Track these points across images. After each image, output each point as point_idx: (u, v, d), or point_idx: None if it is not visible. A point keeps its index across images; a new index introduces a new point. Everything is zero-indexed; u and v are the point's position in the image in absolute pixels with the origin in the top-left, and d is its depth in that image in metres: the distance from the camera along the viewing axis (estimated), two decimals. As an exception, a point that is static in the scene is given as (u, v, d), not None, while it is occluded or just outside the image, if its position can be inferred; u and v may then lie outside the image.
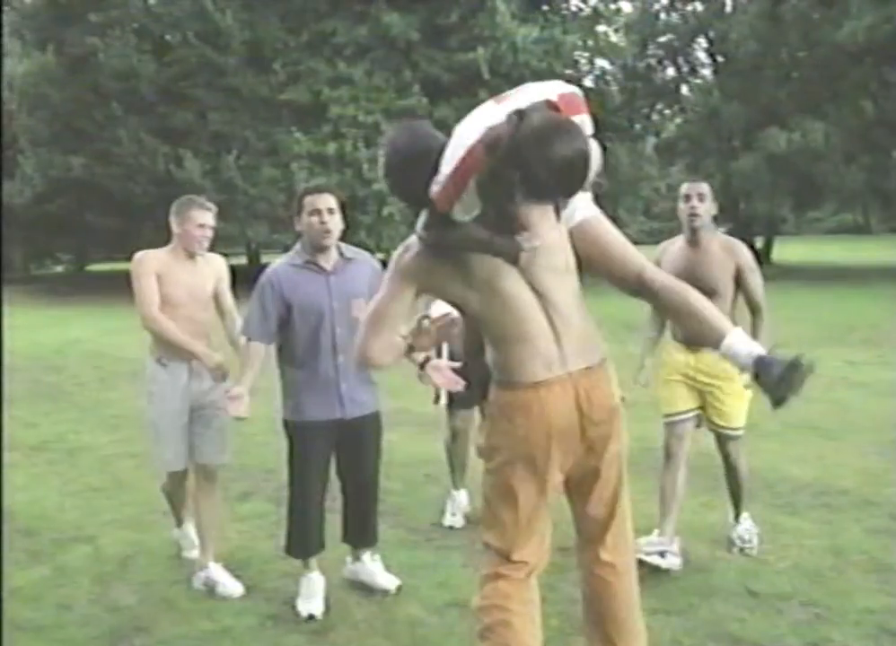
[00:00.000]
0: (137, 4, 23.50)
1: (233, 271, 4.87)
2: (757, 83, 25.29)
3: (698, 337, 2.82)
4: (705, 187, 4.36)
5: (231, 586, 4.24)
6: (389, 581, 4.19)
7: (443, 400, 5.10)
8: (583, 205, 2.79)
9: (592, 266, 2.78)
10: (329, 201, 3.88)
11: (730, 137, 27.29)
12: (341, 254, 4.01)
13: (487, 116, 2.57)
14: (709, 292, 3.77)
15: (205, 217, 4.36)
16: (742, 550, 4.44)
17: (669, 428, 4.43)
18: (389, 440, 6.88)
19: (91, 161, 23.01)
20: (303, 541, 4.09)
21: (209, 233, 4.39)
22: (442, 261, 2.69)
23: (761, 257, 28.78)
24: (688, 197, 4.33)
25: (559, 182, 2.56)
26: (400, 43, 22.34)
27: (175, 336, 4.25)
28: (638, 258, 2.78)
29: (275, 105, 22.72)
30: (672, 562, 4.16)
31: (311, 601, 4.00)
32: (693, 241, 4.36)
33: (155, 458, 4.47)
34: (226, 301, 4.62)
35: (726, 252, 4.31)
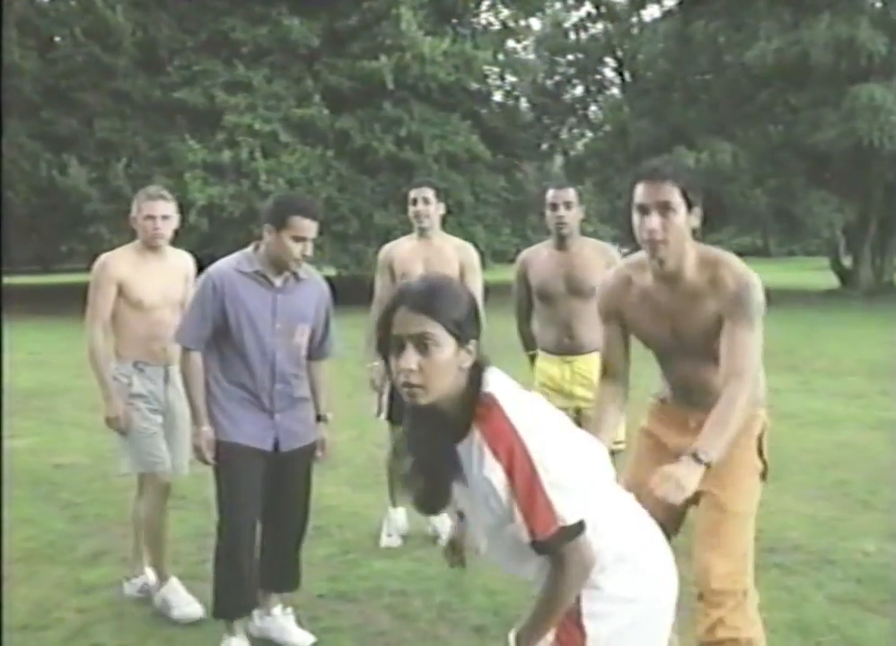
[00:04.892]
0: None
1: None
2: (666, 103, 25.15)
3: None
4: (571, 194, 4.28)
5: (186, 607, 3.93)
6: (303, 639, 3.61)
7: (384, 414, 4.88)
8: None
9: None
10: (314, 230, 3.41)
11: (638, 156, 27.07)
12: (294, 272, 3.50)
13: None
14: (587, 294, 4.07)
15: (153, 207, 3.94)
16: None
17: None
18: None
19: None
20: (236, 595, 3.48)
21: (161, 225, 3.96)
22: None
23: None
24: (554, 206, 4.26)
25: None
26: (301, 49, 21.41)
27: (100, 375, 3.93)
28: None
29: (168, 111, 21.50)
30: None
31: None
32: (563, 247, 4.33)
33: (143, 460, 3.99)
34: None
35: (599, 254, 4.29)
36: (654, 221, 2.57)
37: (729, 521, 2.73)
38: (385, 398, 4.81)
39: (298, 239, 3.34)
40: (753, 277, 2.65)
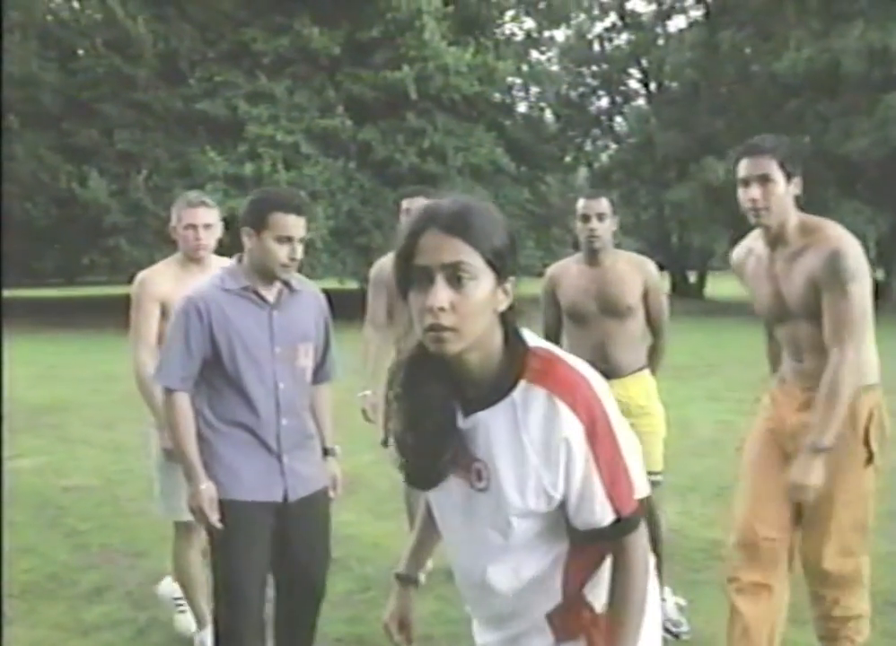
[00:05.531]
0: (41, 7, 21.98)
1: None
2: (692, 113, 24.79)
3: None
4: (604, 205, 3.86)
5: None
6: None
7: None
8: None
9: None
10: (301, 228, 2.88)
11: (665, 166, 26.69)
12: (286, 283, 2.97)
13: None
14: (622, 313, 3.83)
15: (193, 215, 3.59)
16: (676, 636, 3.64)
17: None
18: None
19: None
20: None
21: (203, 234, 3.62)
22: None
23: (694, 291, 28.22)
24: (586, 217, 3.85)
25: None
26: (323, 59, 21.25)
27: (152, 403, 3.43)
28: None
29: (188, 122, 21.41)
30: None
31: None
32: (594, 262, 3.93)
33: (180, 507, 3.38)
34: None
35: (634, 269, 3.93)
36: (755, 191, 2.84)
37: (834, 510, 2.88)
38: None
39: (283, 239, 2.82)
40: (846, 244, 2.77)
